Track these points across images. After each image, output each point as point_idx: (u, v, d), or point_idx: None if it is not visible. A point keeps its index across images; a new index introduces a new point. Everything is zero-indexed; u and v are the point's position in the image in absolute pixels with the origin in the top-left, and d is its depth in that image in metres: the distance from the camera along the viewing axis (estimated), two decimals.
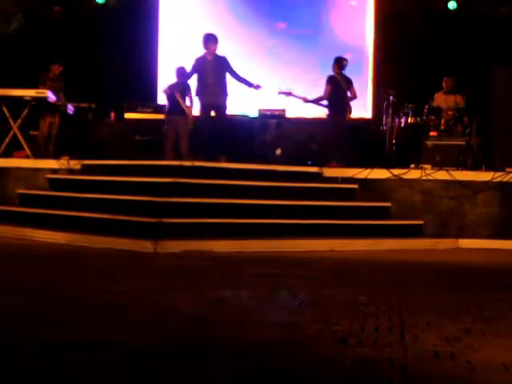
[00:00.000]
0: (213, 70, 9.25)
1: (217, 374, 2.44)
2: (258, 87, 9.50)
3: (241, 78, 9.40)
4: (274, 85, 12.86)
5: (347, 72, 10.23)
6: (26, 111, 9.56)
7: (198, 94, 9.43)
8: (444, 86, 10.81)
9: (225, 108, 9.42)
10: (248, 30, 13.26)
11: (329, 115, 9.96)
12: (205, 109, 9.43)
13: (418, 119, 10.63)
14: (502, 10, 12.60)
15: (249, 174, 8.22)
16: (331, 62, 10.19)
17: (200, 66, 9.33)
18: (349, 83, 10.03)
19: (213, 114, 9.43)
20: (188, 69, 9.73)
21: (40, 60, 11.00)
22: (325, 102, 9.98)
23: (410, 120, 10.74)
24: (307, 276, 5.10)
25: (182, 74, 10.04)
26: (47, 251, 6.31)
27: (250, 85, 9.46)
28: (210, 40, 9.28)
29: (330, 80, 9.91)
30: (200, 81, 9.36)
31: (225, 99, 9.36)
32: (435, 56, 12.19)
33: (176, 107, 10.09)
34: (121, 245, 6.56)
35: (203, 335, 3.03)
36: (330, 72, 10.06)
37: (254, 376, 2.43)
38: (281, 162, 9.02)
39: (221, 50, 9.55)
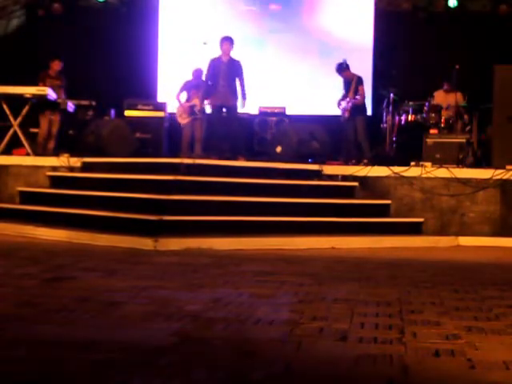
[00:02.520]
0: (225, 72, 9.44)
1: (216, 373, 2.44)
2: (243, 105, 9.60)
3: (243, 88, 9.53)
4: (274, 84, 12.89)
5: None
6: (26, 109, 9.56)
7: (209, 95, 9.59)
8: (444, 86, 10.83)
9: (235, 108, 9.58)
10: (247, 29, 13.25)
11: (354, 115, 10.17)
12: (215, 110, 9.63)
13: (419, 117, 10.64)
14: (502, 8, 12.59)
15: (249, 171, 8.22)
16: (331, 62, 10.32)
17: (214, 67, 9.52)
18: None
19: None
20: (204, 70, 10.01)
21: (40, 57, 11.00)
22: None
23: (410, 118, 10.76)
24: (307, 273, 5.10)
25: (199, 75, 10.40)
26: (47, 249, 6.31)
27: (243, 98, 9.55)
28: (225, 41, 9.49)
29: (363, 82, 10.26)
30: (212, 82, 9.54)
31: (235, 100, 9.51)
32: (435, 54, 12.19)
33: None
34: (121, 242, 6.57)
35: (203, 333, 3.03)
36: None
37: (254, 374, 2.43)
38: (281, 159, 9.01)
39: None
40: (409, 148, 10.23)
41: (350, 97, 10.16)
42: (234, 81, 9.49)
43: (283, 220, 7.52)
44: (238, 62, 9.56)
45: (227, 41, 9.49)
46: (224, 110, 9.56)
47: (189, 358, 2.61)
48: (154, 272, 4.97)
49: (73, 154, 9.02)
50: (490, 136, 9.37)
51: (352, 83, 10.20)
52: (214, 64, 9.52)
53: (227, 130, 9.49)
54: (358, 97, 10.14)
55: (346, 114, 10.18)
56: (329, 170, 8.68)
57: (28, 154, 9.36)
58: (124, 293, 3.99)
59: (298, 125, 10.18)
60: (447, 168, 8.38)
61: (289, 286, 4.37)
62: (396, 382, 2.36)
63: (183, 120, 10.59)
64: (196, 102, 10.44)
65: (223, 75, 9.43)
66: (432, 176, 8.34)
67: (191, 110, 10.49)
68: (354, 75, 10.23)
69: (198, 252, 6.29)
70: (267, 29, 13.27)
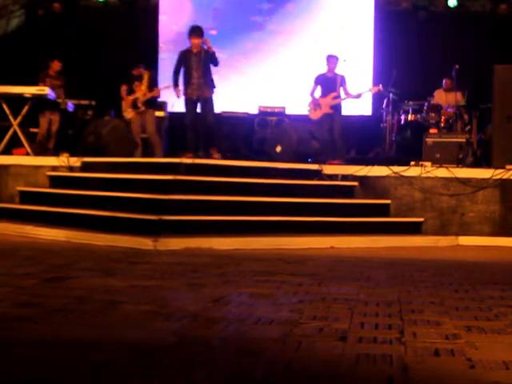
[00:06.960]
0: (197, 63, 9.06)
1: (216, 373, 2.44)
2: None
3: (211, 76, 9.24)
4: (274, 84, 12.89)
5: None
6: (25, 108, 9.57)
7: (183, 88, 9.26)
8: (444, 84, 10.84)
9: (211, 102, 9.24)
10: (247, 29, 13.26)
11: (340, 111, 10.11)
12: (189, 103, 9.28)
13: (418, 116, 10.65)
14: (502, 8, 12.60)
15: (249, 171, 8.22)
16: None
17: (184, 59, 9.18)
18: None
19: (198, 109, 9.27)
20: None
21: (40, 57, 11.01)
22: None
23: (409, 117, 10.77)
24: (307, 273, 5.11)
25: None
26: (47, 248, 6.31)
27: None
28: (193, 32, 9.08)
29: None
30: (184, 74, 9.23)
31: (211, 92, 9.20)
32: (435, 54, 12.20)
33: None
34: (121, 242, 6.57)
35: (203, 333, 3.03)
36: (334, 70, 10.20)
37: (254, 374, 2.43)
38: (281, 159, 9.01)
39: (219, 52, 9.46)
40: (409, 148, 10.23)
41: (336, 93, 10.00)
42: (209, 72, 9.12)
43: (283, 220, 7.51)
44: (211, 52, 9.08)
45: (193, 33, 9.03)
46: (199, 104, 9.18)
47: (189, 358, 2.61)
48: (153, 272, 4.97)
49: (72, 154, 9.02)
50: (489, 136, 9.37)
51: (337, 81, 10.03)
52: (184, 56, 9.15)
53: (202, 123, 9.14)
54: (355, 94, 10.10)
55: (329, 111, 9.97)
56: (329, 169, 8.68)
57: (28, 154, 9.36)
58: (124, 293, 3.99)
59: (297, 124, 10.16)
60: (447, 168, 8.38)
61: (288, 286, 4.37)
62: (396, 382, 2.36)
63: (128, 114, 10.29)
64: (138, 94, 10.10)
65: (196, 67, 9.05)
66: (432, 176, 8.34)
67: (133, 104, 10.21)
68: (336, 73, 10.08)
69: (198, 252, 6.29)
70: (267, 28, 13.28)
